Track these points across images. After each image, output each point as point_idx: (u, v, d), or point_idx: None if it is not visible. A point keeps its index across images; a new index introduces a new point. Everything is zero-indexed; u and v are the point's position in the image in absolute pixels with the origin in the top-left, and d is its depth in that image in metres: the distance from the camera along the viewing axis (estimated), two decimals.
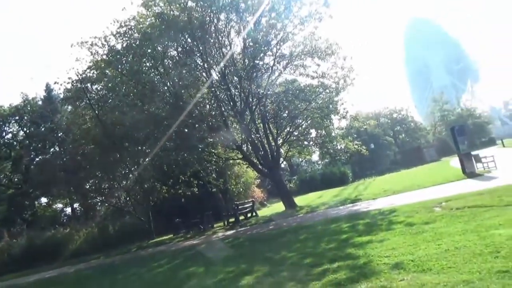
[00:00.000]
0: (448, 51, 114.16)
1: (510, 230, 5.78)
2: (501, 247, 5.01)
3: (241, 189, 27.50)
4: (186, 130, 19.42)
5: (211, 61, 19.39)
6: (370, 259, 5.88)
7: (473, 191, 10.88)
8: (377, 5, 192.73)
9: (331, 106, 20.58)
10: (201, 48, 18.69)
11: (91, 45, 19.10)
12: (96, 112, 20.76)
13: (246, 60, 19.10)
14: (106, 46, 19.11)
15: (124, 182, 24.83)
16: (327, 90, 20.75)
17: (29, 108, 34.04)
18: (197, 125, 19.64)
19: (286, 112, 21.30)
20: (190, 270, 8.94)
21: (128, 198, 25.07)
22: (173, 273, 9.26)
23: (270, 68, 19.98)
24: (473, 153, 17.98)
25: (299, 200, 23.63)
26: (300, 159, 45.07)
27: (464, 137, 18.76)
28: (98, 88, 21.78)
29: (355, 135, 38.66)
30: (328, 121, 22.17)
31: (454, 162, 26.81)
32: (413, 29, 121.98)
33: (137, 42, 18.50)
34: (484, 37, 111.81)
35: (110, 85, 19.64)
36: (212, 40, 18.88)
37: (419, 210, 9.43)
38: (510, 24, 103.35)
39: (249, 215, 21.58)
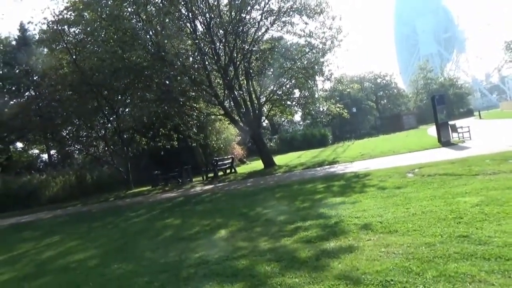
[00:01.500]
0: (438, 19, 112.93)
1: (475, 198, 6.07)
2: (465, 214, 5.28)
3: (222, 145, 27.60)
4: (167, 82, 18.99)
5: (196, 11, 18.57)
6: (341, 219, 6.12)
7: (445, 159, 11.26)
8: None
9: (316, 67, 20.32)
10: None
11: None
12: (74, 57, 19.91)
13: (233, 13, 18.39)
14: None
15: (103, 132, 24.47)
16: (314, 50, 20.41)
17: (1, 48, 32.23)
18: (179, 78, 19.18)
19: (271, 70, 21.00)
20: (166, 222, 9.12)
21: (106, 148, 24.81)
22: (149, 223, 9.43)
23: (257, 23, 19.37)
24: (450, 122, 18.39)
25: (279, 159, 23.97)
26: (282, 119, 45.12)
27: (443, 107, 19.05)
28: (76, 32, 20.74)
29: (338, 98, 38.79)
30: (312, 82, 22.04)
31: (431, 130, 27.49)
32: None
33: None
34: (474, 7, 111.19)
35: (88, 29, 18.69)
36: None
37: (392, 175, 9.75)
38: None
39: (228, 171, 21.85)
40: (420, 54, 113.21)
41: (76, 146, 26.51)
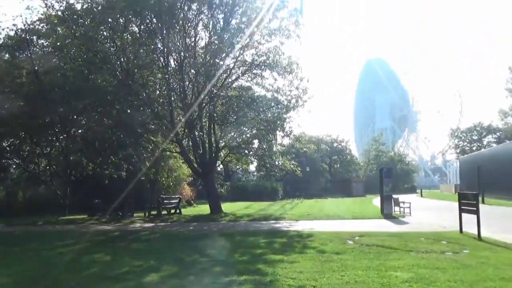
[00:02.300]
0: (395, 97, 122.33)
1: (406, 274, 6.27)
2: None
3: (171, 184, 26.93)
4: (129, 110, 18.66)
5: (172, 48, 18.90)
6: (276, 278, 6.04)
7: (385, 231, 11.70)
8: (343, 37, 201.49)
9: (278, 122, 20.94)
10: (164, 32, 18.17)
11: None
12: (36, 68, 19.20)
13: (208, 56, 18.89)
14: (64, 2, 17.86)
15: (48, 149, 23.12)
16: (279, 106, 21.13)
17: None
18: (141, 109, 18.98)
19: (235, 117, 21.37)
20: (95, 257, 8.51)
21: (48, 167, 23.31)
22: (76, 256, 8.75)
23: (229, 70, 19.94)
24: (394, 196, 19.33)
25: (227, 207, 23.69)
26: (237, 167, 45.22)
27: (389, 180, 20.08)
28: (44, 44, 20.23)
29: (293, 155, 39.72)
30: (272, 136, 22.58)
31: (376, 201, 28.63)
32: (369, 68, 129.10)
33: (99, 8, 17.52)
34: (428, 93, 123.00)
35: (58, 44, 18.32)
36: (178, 27, 18.46)
37: (334, 240, 9.90)
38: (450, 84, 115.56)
39: (172, 211, 21.19)
40: (375, 126, 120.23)
41: (15, 160, 24.64)
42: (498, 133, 66.12)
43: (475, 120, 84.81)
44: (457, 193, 14.28)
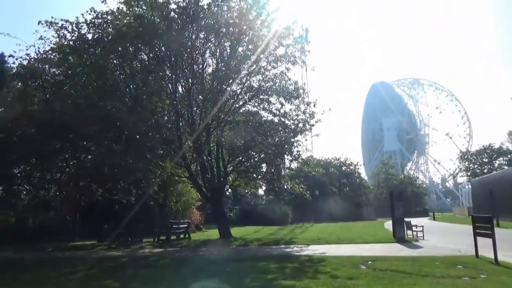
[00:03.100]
0: (402, 120, 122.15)
1: None
2: None
3: (180, 208, 26.81)
4: (138, 136, 18.88)
5: (180, 75, 19.31)
6: None
7: (398, 255, 11.42)
8: (350, 62, 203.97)
9: (286, 146, 20.99)
10: (173, 59, 18.60)
11: (60, 27, 18.41)
12: (47, 96, 19.67)
13: (215, 83, 19.23)
14: (76, 32, 18.49)
15: (59, 175, 23.33)
16: (286, 130, 21.22)
17: None
18: (150, 134, 19.19)
19: (242, 142, 21.47)
20: (104, 283, 8.41)
21: (58, 193, 23.44)
22: (85, 282, 8.65)
23: (236, 96, 20.22)
24: (406, 219, 18.96)
25: (236, 231, 23.42)
26: (246, 190, 45.00)
27: (400, 203, 19.75)
28: (56, 73, 20.79)
29: (302, 179, 39.39)
30: (280, 159, 22.56)
31: (388, 224, 28.09)
32: (375, 91, 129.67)
33: (110, 37, 18.08)
34: (436, 117, 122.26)
35: (69, 72, 18.83)
36: (186, 55, 18.89)
37: (346, 264, 9.68)
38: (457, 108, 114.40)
39: (182, 236, 21.01)
40: (384, 150, 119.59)
41: (26, 186, 24.87)
42: (509, 155, 65.26)
43: (485, 142, 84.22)
44: (470, 216, 13.98)
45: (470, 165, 73.75)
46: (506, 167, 58.71)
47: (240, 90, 20.08)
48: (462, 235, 18.79)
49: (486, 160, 69.95)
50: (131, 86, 18.62)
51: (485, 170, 65.90)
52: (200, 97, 19.57)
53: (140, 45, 18.37)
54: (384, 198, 58.50)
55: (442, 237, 19.48)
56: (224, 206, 25.50)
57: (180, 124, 19.90)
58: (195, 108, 19.81)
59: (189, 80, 19.28)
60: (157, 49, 18.78)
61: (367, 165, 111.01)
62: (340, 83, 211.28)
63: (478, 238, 11.10)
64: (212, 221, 27.17)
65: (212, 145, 21.46)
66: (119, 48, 17.94)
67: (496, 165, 67.98)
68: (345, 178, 62.04)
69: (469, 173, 73.30)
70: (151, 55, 19.21)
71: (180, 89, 19.99)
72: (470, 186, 65.61)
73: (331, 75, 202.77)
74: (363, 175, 79.99)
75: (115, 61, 18.65)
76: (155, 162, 20.52)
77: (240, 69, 18.85)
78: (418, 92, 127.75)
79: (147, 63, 19.14)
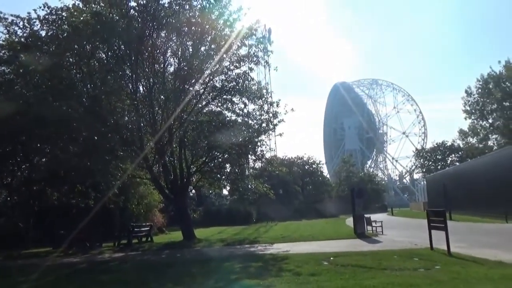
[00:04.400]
0: (363, 120, 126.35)
1: None
2: None
3: (142, 211, 26.16)
4: (96, 137, 18.20)
5: (141, 74, 18.81)
6: None
7: (359, 250, 11.83)
8: (313, 63, 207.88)
9: (250, 145, 21.05)
10: (133, 58, 18.09)
11: (10, 23, 17.36)
12: None
13: (177, 82, 18.92)
14: (28, 29, 17.49)
15: (9, 179, 22.02)
16: (250, 130, 21.28)
17: None
18: (109, 135, 18.56)
19: (205, 142, 21.31)
20: None
21: (9, 198, 22.12)
22: None
23: (199, 96, 20.00)
24: (366, 215, 19.64)
25: (200, 232, 23.23)
26: (210, 191, 44.70)
27: (361, 200, 20.45)
28: (6, 71, 19.58)
29: (266, 178, 39.75)
30: (244, 159, 22.61)
31: (349, 221, 28.95)
32: (336, 92, 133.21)
33: (65, 35, 17.24)
34: (395, 114, 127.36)
35: (21, 70, 17.78)
36: (146, 54, 18.44)
37: (309, 261, 9.87)
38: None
39: (144, 239, 20.55)
40: (345, 148, 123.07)
41: None
42: (460, 152, 69.20)
43: (438, 139, 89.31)
44: (425, 211, 14.73)
45: (425, 162, 77.61)
46: (457, 164, 62.16)
47: (203, 90, 19.88)
48: (418, 229, 19.73)
49: (440, 157, 73.85)
50: (89, 85, 17.89)
51: (439, 167, 69.53)
52: (162, 97, 19.19)
53: (98, 43, 17.66)
54: (345, 195, 60.14)
55: (399, 231, 20.36)
56: (188, 207, 25.18)
57: (141, 124, 19.39)
58: (156, 108, 19.39)
59: (150, 80, 18.84)
60: (116, 48, 18.15)
61: (329, 164, 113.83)
62: (303, 84, 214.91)
63: (433, 232, 11.73)
64: (175, 223, 26.76)
65: (174, 145, 21.14)
66: (75, 46, 17.14)
67: (448, 161, 71.92)
68: (308, 176, 63.25)
69: (424, 170, 77.12)
70: (109, 53, 18.53)
71: (141, 88, 19.48)
72: (425, 182, 68.95)
73: (294, 75, 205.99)
74: (326, 173, 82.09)
75: (71, 59, 17.81)
76: (114, 164, 19.87)
77: (203, 68, 18.65)
78: (376, 92, 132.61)
79: (105, 61, 18.46)
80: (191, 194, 43.78)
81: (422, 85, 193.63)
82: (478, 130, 55.03)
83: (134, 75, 18.56)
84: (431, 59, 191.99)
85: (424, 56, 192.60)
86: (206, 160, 22.08)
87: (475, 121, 54.45)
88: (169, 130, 19.38)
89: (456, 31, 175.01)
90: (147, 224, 22.45)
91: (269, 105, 21.01)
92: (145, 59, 18.65)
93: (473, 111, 53.35)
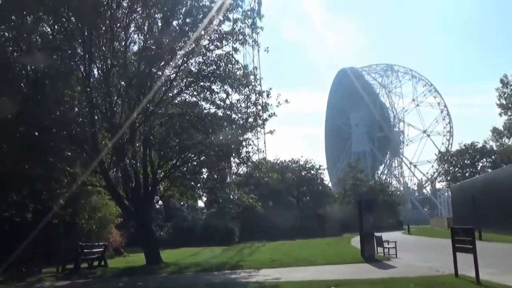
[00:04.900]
0: (374, 114, 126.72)
1: None
2: None
3: (95, 227, 26.03)
4: (37, 133, 18.03)
5: (96, 53, 18.75)
6: None
7: (367, 278, 12.08)
8: (314, 45, 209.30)
9: (233, 146, 21.18)
10: (86, 34, 18.01)
11: None
12: None
13: (142, 65, 18.94)
14: None
15: None
16: (233, 126, 21.40)
17: None
18: (54, 130, 18.42)
19: (177, 140, 21.32)
20: None
21: None
22: None
23: (170, 82, 20.05)
24: (376, 234, 19.98)
25: (168, 255, 23.28)
26: (182, 203, 44.66)
27: (370, 214, 20.81)
28: None
29: (252, 187, 39.96)
30: (226, 163, 22.72)
31: (355, 241, 29.36)
32: (342, 79, 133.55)
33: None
34: (413, 110, 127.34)
35: None
36: (103, 28, 18.39)
37: None
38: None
39: (96, 263, 20.51)
40: (351, 150, 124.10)
41: None
42: (493, 156, 70.62)
43: (467, 140, 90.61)
44: (450, 228, 15.09)
45: (450, 168, 79.06)
46: (490, 170, 63.38)
47: (175, 75, 19.95)
48: (440, 251, 20.13)
49: (468, 162, 75.33)
50: (29, 67, 17.75)
51: (467, 174, 70.88)
52: (123, 83, 19.16)
53: (41, 13, 17.55)
54: (351, 209, 60.75)
55: (417, 254, 20.77)
56: (153, 223, 25.19)
57: (96, 117, 19.34)
58: (115, 97, 19.37)
59: (107, 61, 18.80)
60: (64, 20, 18.02)
61: (331, 169, 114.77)
62: (301, 70, 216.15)
63: (458, 254, 12.01)
64: (136, 243, 26.69)
65: (138, 145, 21.11)
66: (12, 17, 16.99)
67: (479, 167, 73.39)
68: (305, 185, 63.66)
69: (449, 178, 78.50)
70: (56, 27, 18.41)
71: (95, 72, 19.45)
72: (449, 193, 70.16)
73: (290, 59, 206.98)
74: (327, 181, 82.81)
75: (6, 34, 17.64)
76: (60, 167, 19.72)
77: (175, 48, 18.69)
78: (392, 81, 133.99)
79: (50, 37, 18.34)
80: (157, 206, 43.79)
81: (447, 73, 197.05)
82: None
83: (87, 55, 18.49)
84: (460, 41, 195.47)
85: (450, 37, 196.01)
86: (177, 164, 22.13)
87: (511, 117, 55.45)
88: (131, 125, 19.34)
89: (491, 4, 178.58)
90: (101, 244, 22.39)
91: (257, 95, 21.17)
92: (101, 35, 18.58)
93: (510, 105, 54.20)
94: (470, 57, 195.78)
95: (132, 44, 20.10)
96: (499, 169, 49.83)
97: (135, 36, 19.92)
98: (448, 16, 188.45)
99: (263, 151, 55.38)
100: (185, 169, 22.70)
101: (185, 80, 20.40)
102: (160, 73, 19.43)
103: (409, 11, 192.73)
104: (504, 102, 54.59)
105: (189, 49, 19.15)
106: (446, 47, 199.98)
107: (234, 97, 21.07)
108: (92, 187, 22.52)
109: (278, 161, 61.05)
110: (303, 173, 63.56)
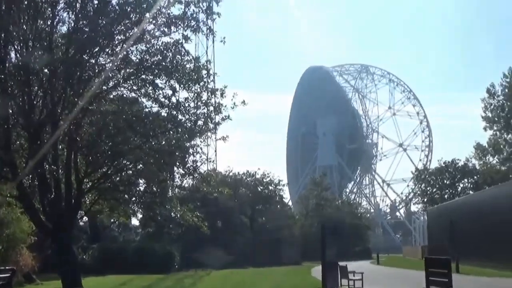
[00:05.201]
0: (344, 123, 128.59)
1: None
2: None
3: (0, 247, 25.19)
4: None
5: (14, 33, 18.26)
6: None
7: None
8: (279, 39, 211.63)
9: (177, 153, 21.11)
10: (4, 7, 17.55)
11: None
12: None
13: (71, 50, 18.62)
14: None
15: None
16: (179, 129, 21.34)
17: None
18: None
19: (109, 144, 21.01)
20: None
21: None
22: None
23: (104, 72, 19.77)
24: (341, 264, 20.37)
25: (91, 283, 22.90)
26: (112, 220, 43.89)
27: (335, 240, 21.21)
28: None
29: (199, 203, 39.90)
30: (167, 173, 22.58)
31: (316, 270, 29.78)
32: (310, 81, 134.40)
33: None
34: (390, 119, 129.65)
35: None
36: (26, 2, 18.00)
37: None
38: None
39: None
40: (317, 164, 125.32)
41: None
42: (475, 177, 73.32)
43: (447, 157, 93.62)
44: (424, 259, 15.64)
45: (428, 188, 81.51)
46: (471, 192, 65.69)
47: (111, 64, 19.71)
48: (412, 284, 20.78)
49: (448, 182, 77.86)
50: None
51: (446, 196, 73.33)
52: (46, 70, 18.74)
53: None
54: (314, 233, 61.56)
55: (386, 287, 21.31)
56: (75, 244, 24.64)
57: (10, 111, 18.79)
58: (36, 88, 18.92)
59: (28, 43, 18.36)
60: None
61: (293, 185, 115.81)
62: (263, 67, 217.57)
63: None
64: (53, 268, 26.04)
65: (60, 147, 20.65)
66: None
67: (459, 188, 76.06)
68: (262, 203, 63.95)
69: (425, 199, 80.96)
70: None
71: (12, 55, 18.99)
72: (426, 217, 72.36)
73: (251, 54, 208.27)
74: (287, 199, 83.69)
75: None
76: None
77: (113, 32, 18.54)
78: (366, 85, 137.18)
79: None
80: (81, 224, 42.81)
81: (428, 80, 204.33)
82: (502, 146, 57.68)
83: (2, 34, 18.00)
84: (442, 44, 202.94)
85: (432, 40, 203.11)
86: (109, 172, 21.79)
87: (497, 133, 57.17)
88: (53, 122, 18.95)
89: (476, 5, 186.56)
90: (7, 268, 21.62)
91: (209, 94, 21.21)
92: (22, 10, 18.16)
93: (496, 118, 56.01)
94: (454, 63, 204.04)
95: (61, 24, 19.63)
96: (481, 191, 51.79)
97: (65, 14, 19.45)
98: (432, 14, 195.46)
99: (213, 161, 55.03)
100: (117, 179, 22.38)
101: (123, 71, 20.12)
102: (93, 61, 19.17)
103: (390, 6, 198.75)
104: (490, 115, 56.24)
105: (130, 34, 19.02)
106: (428, 49, 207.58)
107: (182, 94, 21.01)
108: (0, 197, 21.82)
109: (231, 174, 61.11)
110: (259, 189, 63.85)
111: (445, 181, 78.27)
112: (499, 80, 55.90)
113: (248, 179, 63.53)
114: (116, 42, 18.99)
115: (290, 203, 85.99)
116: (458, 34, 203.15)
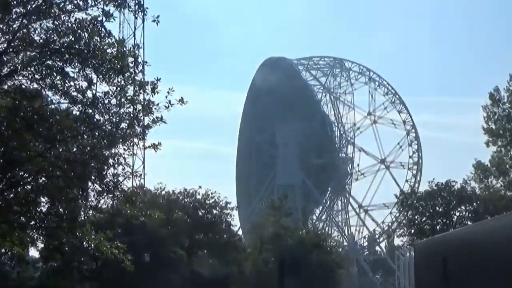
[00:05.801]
0: (311, 131, 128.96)
1: None
2: None
3: None
4: None
5: None
6: None
7: None
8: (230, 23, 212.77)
9: (93, 163, 20.92)
10: None
11: None
12: None
13: None
14: None
15: None
16: (96, 133, 21.19)
17: None
18: None
19: (2, 149, 20.63)
20: None
21: None
22: None
23: None
24: None
25: None
26: (4, 250, 42.91)
27: (297, 281, 21.40)
28: None
29: (120, 230, 39.46)
30: (79, 190, 22.31)
31: None
32: (269, 76, 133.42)
33: None
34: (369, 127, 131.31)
35: None
36: None
37: None
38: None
39: None
40: (275, 182, 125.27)
41: None
42: (475, 203, 74.79)
43: (440, 178, 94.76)
44: None
45: (416, 217, 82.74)
46: (470, 222, 66.93)
47: (6, 44, 19.40)
48: None
49: (441, 210, 79.28)
50: None
51: (438, 227, 74.53)
52: None
53: None
54: (269, 271, 61.79)
55: None
56: None
57: None
58: None
59: None
60: None
61: (244, 209, 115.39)
62: (210, 58, 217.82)
63: None
64: None
65: None
66: None
67: (455, 218, 77.52)
68: (203, 231, 63.75)
69: (412, 230, 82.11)
70: None
71: None
72: (412, 253, 73.44)
73: (194, 42, 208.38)
74: (236, 226, 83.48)
75: None
76: None
77: (10, 3, 18.25)
78: (340, 83, 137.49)
79: None
80: None
81: (418, 80, 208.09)
82: (508, 166, 58.10)
83: None
84: (436, 39, 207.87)
85: (424, 29, 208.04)
86: (1, 187, 21.35)
87: (502, 149, 57.40)
88: None
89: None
90: None
91: (137, 88, 21.12)
92: None
93: (501, 131, 56.15)
94: (452, 60, 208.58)
95: None
96: (482, 222, 52.51)
97: None
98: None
99: (141, 175, 55.00)
100: (12, 195, 21.95)
101: (22, 55, 19.86)
102: None
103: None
104: (494, 127, 56.35)
105: (32, 5, 18.80)
106: (419, 41, 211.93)
107: (101, 88, 20.86)
108: None
109: (163, 193, 60.66)
110: (200, 213, 63.62)
111: (437, 208, 79.16)
112: (505, 83, 56.00)
113: (185, 200, 63.18)
114: (14, 15, 18.73)
115: (240, 232, 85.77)
116: (458, 22, 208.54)
